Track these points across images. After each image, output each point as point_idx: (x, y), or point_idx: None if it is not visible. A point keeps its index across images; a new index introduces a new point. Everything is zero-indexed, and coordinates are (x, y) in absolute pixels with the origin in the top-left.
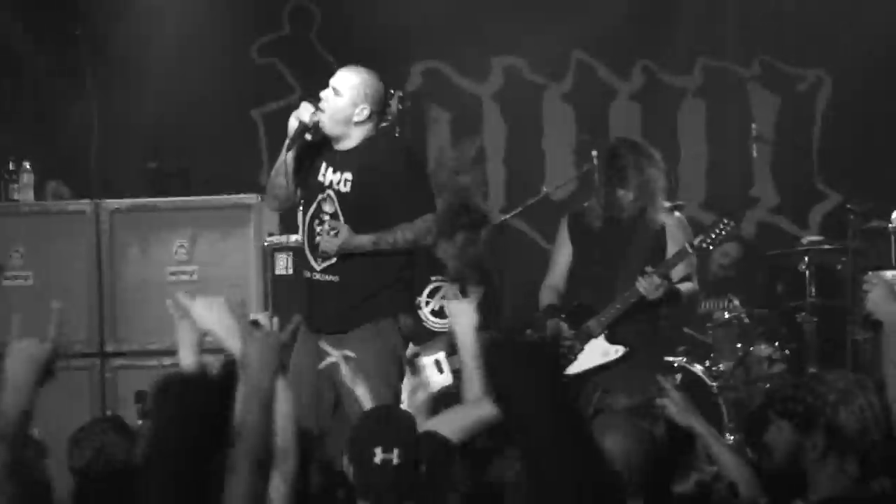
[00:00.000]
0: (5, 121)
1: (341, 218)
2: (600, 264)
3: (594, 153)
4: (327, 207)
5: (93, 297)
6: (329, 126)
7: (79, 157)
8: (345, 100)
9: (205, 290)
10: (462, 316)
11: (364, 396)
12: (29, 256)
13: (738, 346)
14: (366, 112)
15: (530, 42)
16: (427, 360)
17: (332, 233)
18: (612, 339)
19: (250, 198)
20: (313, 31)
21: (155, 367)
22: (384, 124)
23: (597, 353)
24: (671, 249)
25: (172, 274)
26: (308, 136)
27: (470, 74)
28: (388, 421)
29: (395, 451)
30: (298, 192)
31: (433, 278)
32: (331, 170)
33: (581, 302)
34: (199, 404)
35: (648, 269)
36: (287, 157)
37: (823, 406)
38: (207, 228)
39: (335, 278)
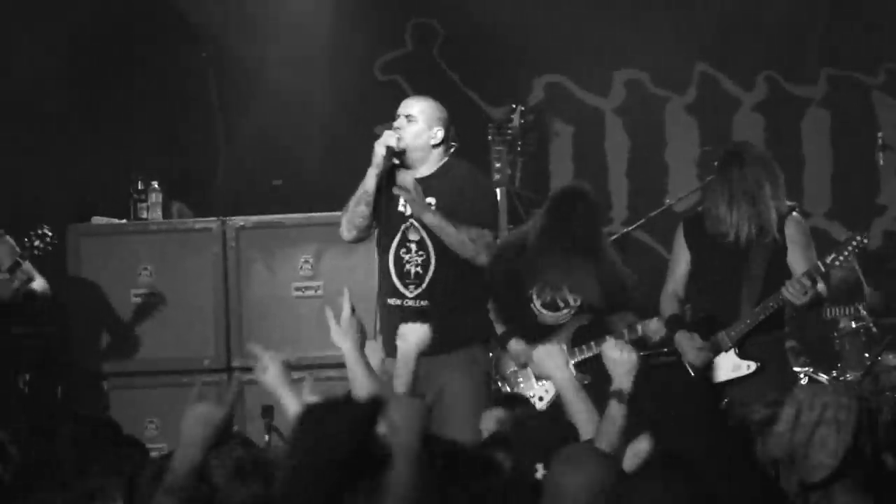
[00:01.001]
0: (134, 141)
1: (428, 243)
2: (720, 272)
3: (717, 164)
4: (412, 236)
5: (219, 313)
6: (410, 151)
7: (205, 175)
8: (420, 124)
9: (330, 306)
10: (550, 360)
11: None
12: (157, 274)
13: (866, 355)
14: (440, 134)
15: (652, 55)
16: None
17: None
18: (742, 355)
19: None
20: (436, 48)
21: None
22: (452, 147)
23: (727, 367)
24: (792, 253)
25: (297, 289)
26: (395, 161)
27: (592, 88)
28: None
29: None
30: (374, 222)
31: (539, 275)
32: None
33: (707, 314)
34: (343, 431)
35: (796, 279)
36: (370, 186)
37: None
38: (332, 244)
39: (426, 303)
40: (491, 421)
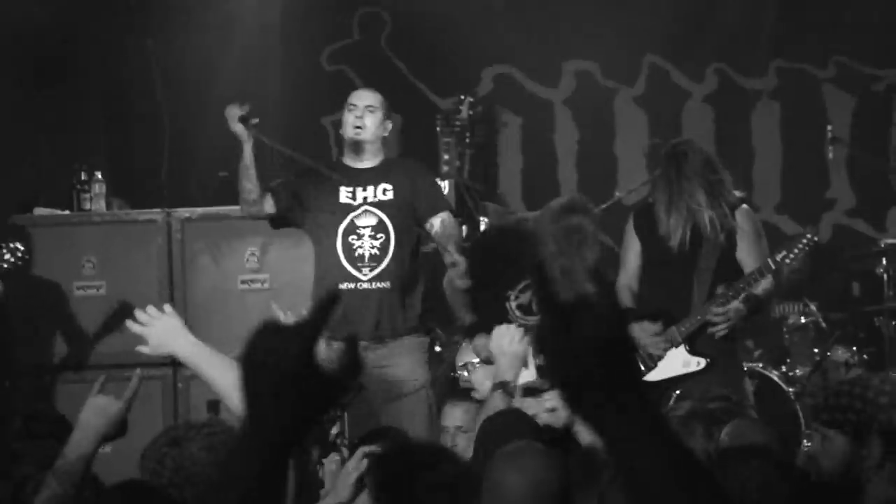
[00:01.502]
0: (76, 131)
1: (388, 224)
2: (670, 266)
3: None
4: (366, 221)
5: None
6: (371, 140)
7: (150, 166)
8: (379, 115)
9: (276, 299)
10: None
11: None
12: (101, 266)
13: (815, 350)
14: (390, 126)
15: (602, 46)
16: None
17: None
18: (692, 350)
19: None
20: (383, 38)
21: None
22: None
23: (677, 362)
24: (741, 248)
25: (244, 282)
26: (252, 122)
27: (541, 79)
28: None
29: None
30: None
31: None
32: (358, 189)
33: (660, 308)
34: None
35: (720, 290)
36: (247, 159)
37: (876, 411)
38: (279, 236)
39: (387, 284)
40: (457, 414)
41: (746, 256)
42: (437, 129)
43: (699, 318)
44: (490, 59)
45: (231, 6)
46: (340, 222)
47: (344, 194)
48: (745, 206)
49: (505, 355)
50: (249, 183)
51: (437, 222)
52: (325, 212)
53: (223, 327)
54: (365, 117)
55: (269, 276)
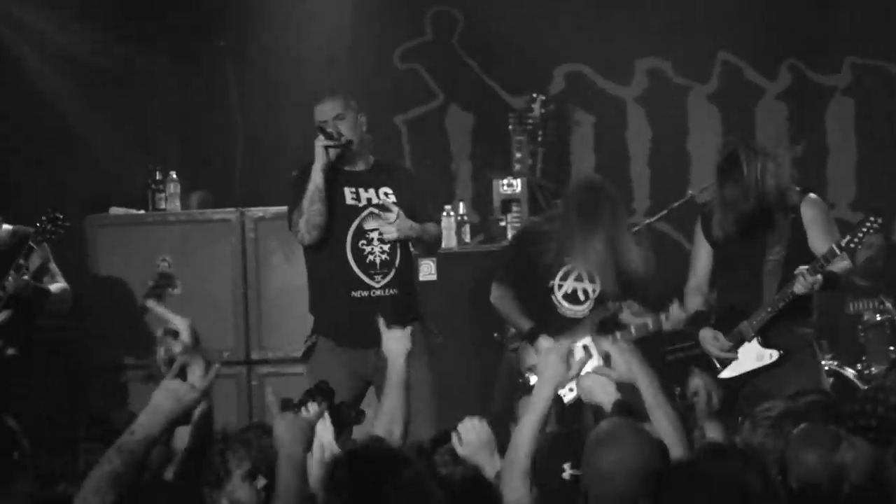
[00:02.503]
0: (151, 132)
1: None
2: (741, 262)
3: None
4: (371, 224)
5: (238, 305)
6: (357, 143)
7: (224, 166)
8: (349, 117)
9: None
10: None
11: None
12: (176, 265)
13: (891, 348)
14: (364, 119)
15: (674, 43)
16: (576, 347)
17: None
18: (765, 343)
19: None
20: (455, 37)
21: (300, 374)
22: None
23: (751, 356)
24: (812, 236)
25: None
26: (337, 151)
27: (613, 77)
28: (574, 438)
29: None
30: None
31: (566, 259)
32: (361, 190)
33: (732, 305)
34: None
35: (802, 268)
36: (319, 182)
37: None
38: None
39: (395, 291)
40: None
41: (819, 244)
42: (510, 127)
43: (770, 309)
44: (562, 57)
45: (304, 6)
46: (349, 226)
47: (349, 195)
48: (811, 194)
49: (549, 367)
50: (323, 205)
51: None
52: (334, 215)
53: (296, 325)
54: (339, 128)
55: None
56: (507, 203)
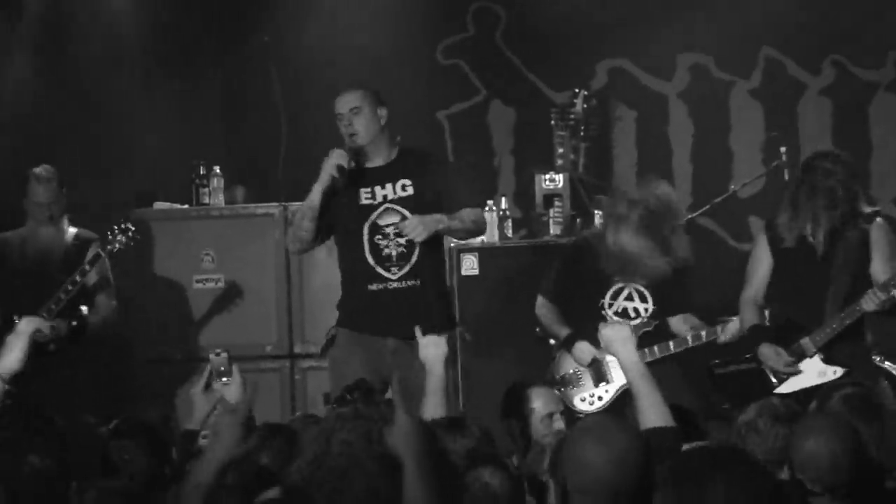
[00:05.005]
0: (194, 126)
1: None
2: (803, 277)
3: (783, 150)
4: (389, 219)
5: (281, 300)
6: (369, 143)
7: (267, 160)
8: (366, 111)
9: None
10: (619, 342)
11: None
12: (219, 259)
13: None
14: (385, 112)
15: (716, 38)
16: (612, 359)
17: (403, 224)
18: (828, 360)
19: None
20: (498, 32)
21: None
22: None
23: (812, 373)
24: (876, 258)
25: None
26: (338, 177)
27: (655, 72)
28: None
29: None
30: (319, 236)
31: (616, 278)
32: (377, 188)
33: (790, 319)
34: None
35: (874, 290)
36: (315, 201)
37: None
38: None
39: (416, 282)
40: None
41: (879, 270)
42: (552, 122)
43: (835, 326)
44: (604, 52)
45: (346, 1)
46: (364, 224)
47: (363, 196)
48: (879, 219)
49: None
50: (312, 223)
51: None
52: (349, 217)
53: None
54: (354, 122)
55: None
56: (550, 198)
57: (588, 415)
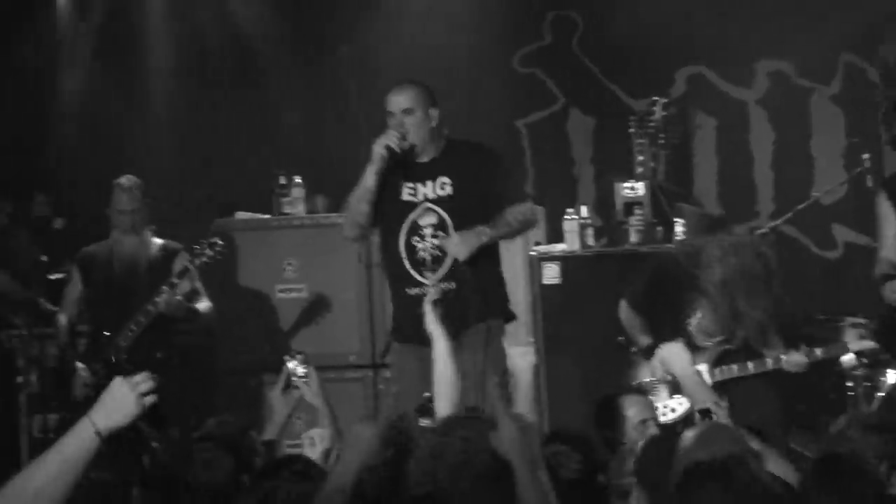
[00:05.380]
0: (275, 136)
1: (448, 223)
2: None
3: (865, 156)
4: (427, 219)
5: (363, 308)
6: (421, 143)
7: (347, 169)
8: (419, 113)
9: None
10: (675, 359)
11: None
12: (301, 269)
13: None
14: (437, 113)
15: (796, 45)
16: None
17: (445, 241)
18: None
19: None
20: (575, 40)
21: None
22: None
23: None
24: None
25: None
26: (388, 157)
27: (735, 79)
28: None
29: None
30: (375, 220)
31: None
32: (419, 185)
33: None
34: None
35: None
36: (370, 184)
37: None
38: None
39: (451, 285)
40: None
41: None
42: (631, 130)
43: None
44: (683, 59)
45: (425, 10)
46: (402, 223)
47: (406, 192)
48: None
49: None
50: (369, 206)
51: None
52: (392, 213)
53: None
54: (405, 123)
55: None
56: (630, 206)
57: (702, 424)
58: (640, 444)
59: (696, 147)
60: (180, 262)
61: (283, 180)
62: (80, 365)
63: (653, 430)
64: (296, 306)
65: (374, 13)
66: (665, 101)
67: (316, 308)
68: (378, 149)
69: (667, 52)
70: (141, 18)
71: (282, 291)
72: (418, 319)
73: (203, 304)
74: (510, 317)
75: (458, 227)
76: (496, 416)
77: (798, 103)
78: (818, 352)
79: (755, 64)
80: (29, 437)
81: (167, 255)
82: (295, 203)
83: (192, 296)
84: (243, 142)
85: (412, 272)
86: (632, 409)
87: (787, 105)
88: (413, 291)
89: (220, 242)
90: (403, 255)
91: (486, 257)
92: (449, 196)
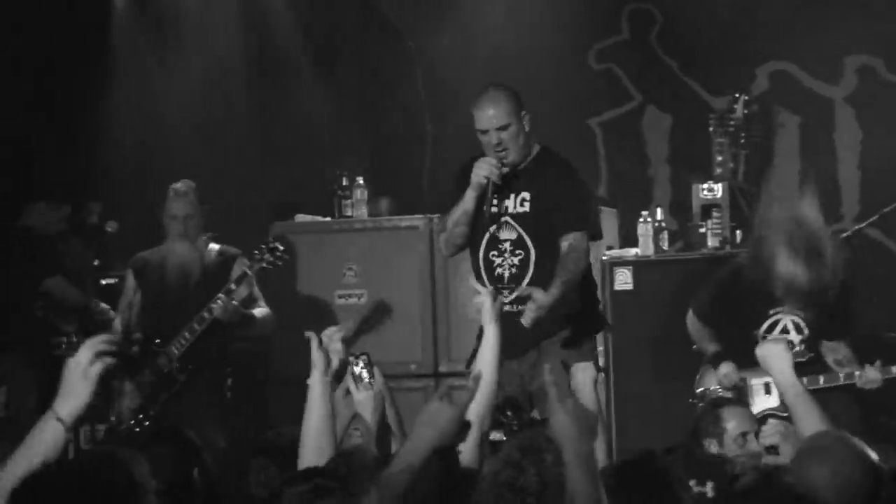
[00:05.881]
0: (339, 136)
1: (527, 240)
2: None
3: None
4: (506, 234)
5: (426, 315)
6: (519, 157)
7: (412, 171)
8: (514, 125)
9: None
10: (775, 360)
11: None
12: (362, 273)
13: None
14: (528, 117)
15: (886, 39)
16: (756, 382)
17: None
18: None
19: None
20: (653, 34)
21: None
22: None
23: None
24: None
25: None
26: (488, 185)
27: (821, 75)
28: (700, 456)
29: (709, 485)
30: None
31: (771, 311)
32: (504, 197)
33: None
34: None
35: None
36: (470, 208)
37: None
38: None
39: (524, 307)
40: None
41: None
42: (711, 129)
43: None
44: (766, 55)
45: (496, 3)
46: (485, 234)
47: (492, 202)
48: None
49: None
50: (467, 227)
51: (565, 245)
52: (477, 224)
53: None
54: (503, 141)
55: None
56: (708, 208)
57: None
58: (742, 458)
59: (778, 146)
60: (238, 268)
61: (344, 181)
62: (128, 386)
63: (753, 446)
64: (356, 313)
65: (443, 4)
66: (746, 98)
67: (376, 314)
68: (477, 179)
69: (749, 46)
70: (196, 16)
71: (341, 297)
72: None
73: (260, 311)
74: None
75: (536, 246)
76: (550, 405)
77: (888, 101)
78: (894, 369)
79: (843, 59)
80: (76, 449)
81: (225, 260)
82: (357, 205)
83: (250, 302)
84: (304, 141)
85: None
86: (732, 421)
87: (876, 102)
88: None
89: (281, 247)
90: (482, 268)
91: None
92: (527, 213)
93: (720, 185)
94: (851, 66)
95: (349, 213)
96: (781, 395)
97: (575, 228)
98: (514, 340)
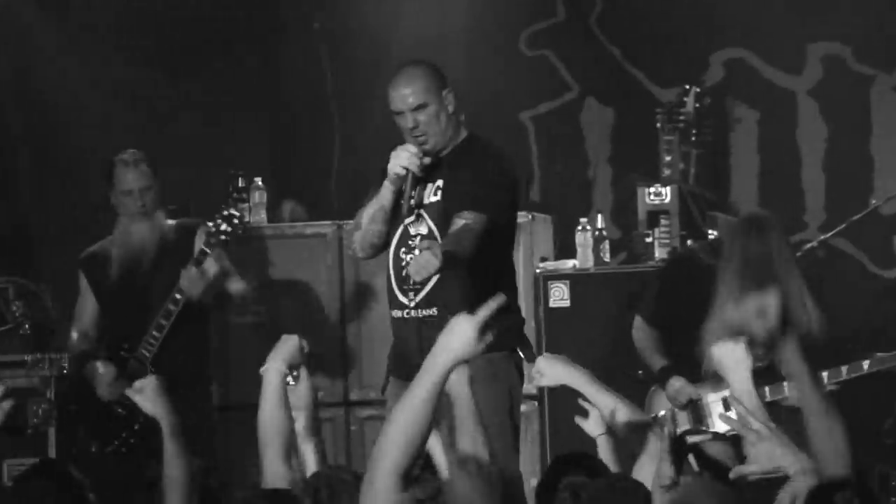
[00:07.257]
0: (233, 133)
1: (437, 234)
2: None
3: None
4: (415, 229)
5: (334, 336)
6: (441, 142)
7: (318, 173)
8: (433, 104)
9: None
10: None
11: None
12: (261, 287)
13: None
14: (452, 96)
15: (855, 26)
16: (713, 398)
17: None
18: None
19: (522, 216)
20: (593, 17)
21: None
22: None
23: None
24: None
25: None
26: (406, 178)
27: (781, 65)
28: (625, 493)
29: None
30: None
31: None
32: (422, 186)
33: None
34: None
35: None
36: (387, 202)
37: None
38: None
39: (432, 311)
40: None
41: None
42: (658, 125)
43: None
44: (720, 41)
45: None
46: (396, 230)
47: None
48: None
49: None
50: (385, 226)
51: (459, 222)
52: (393, 219)
53: None
54: (420, 124)
55: None
56: (655, 215)
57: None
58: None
59: (734, 145)
60: (201, 239)
61: (241, 182)
62: (98, 364)
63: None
64: (252, 332)
65: None
66: (698, 90)
67: (277, 335)
68: (395, 170)
69: (701, 31)
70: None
71: (236, 315)
72: (400, 349)
73: (235, 285)
74: (521, 345)
75: (443, 235)
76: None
77: (856, 94)
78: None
79: (806, 47)
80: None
81: (185, 233)
82: (255, 210)
83: (223, 277)
84: (194, 137)
85: (396, 291)
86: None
87: (844, 96)
88: (397, 314)
89: (238, 213)
90: (391, 270)
91: (482, 275)
92: (436, 203)
93: (669, 188)
94: (816, 54)
95: (247, 220)
96: (736, 405)
97: (475, 209)
98: (413, 360)
